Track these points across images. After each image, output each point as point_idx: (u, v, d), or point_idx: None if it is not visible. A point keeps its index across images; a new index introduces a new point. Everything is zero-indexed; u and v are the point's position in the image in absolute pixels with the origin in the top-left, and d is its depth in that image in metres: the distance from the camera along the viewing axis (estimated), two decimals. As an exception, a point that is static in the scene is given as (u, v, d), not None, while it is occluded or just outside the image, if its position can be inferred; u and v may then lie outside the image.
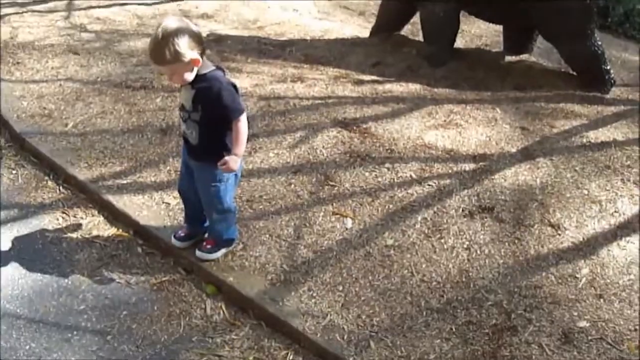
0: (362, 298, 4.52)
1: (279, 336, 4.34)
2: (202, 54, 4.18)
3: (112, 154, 6.12)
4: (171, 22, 4.06)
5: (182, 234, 4.95)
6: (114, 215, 5.41)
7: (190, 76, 4.19)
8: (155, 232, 5.13)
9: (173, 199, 5.47)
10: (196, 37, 4.10)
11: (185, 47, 4.01)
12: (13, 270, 4.85)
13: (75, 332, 4.35)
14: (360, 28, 10.03)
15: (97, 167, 5.91)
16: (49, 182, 5.89)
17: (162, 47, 3.99)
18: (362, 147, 6.10)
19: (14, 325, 4.37)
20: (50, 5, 10.82)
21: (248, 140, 5.99)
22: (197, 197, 4.74)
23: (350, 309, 4.43)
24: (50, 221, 5.39)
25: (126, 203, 5.42)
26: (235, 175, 4.64)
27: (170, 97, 7.13)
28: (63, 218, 5.43)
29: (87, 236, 5.22)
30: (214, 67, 4.34)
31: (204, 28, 9.56)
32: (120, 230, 5.28)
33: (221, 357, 4.19)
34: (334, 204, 5.41)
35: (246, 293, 4.54)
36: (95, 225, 5.34)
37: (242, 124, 4.34)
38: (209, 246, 4.83)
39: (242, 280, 4.64)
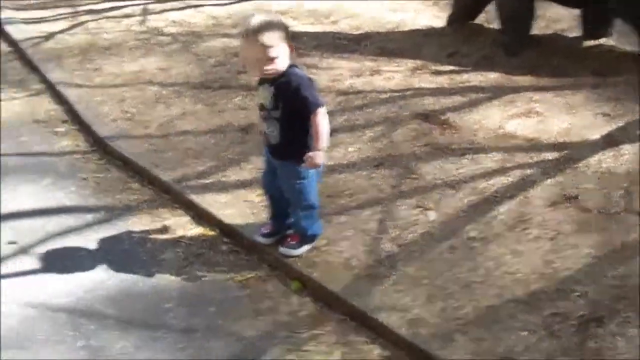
0: (447, 291, 4.47)
1: (364, 330, 4.32)
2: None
3: (194, 154, 6.23)
4: (263, 14, 4.40)
5: (267, 231, 5.00)
6: (199, 215, 5.50)
7: (285, 63, 4.34)
8: (239, 229, 5.19)
9: (256, 196, 5.53)
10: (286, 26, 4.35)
11: (285, 32, 4.29)
12: (102, 271, 4.96)
13: (163, 330, 4.40)
14: (434, 18, 9.92)
15: (180, 167, 6.03)
16: (134, 184, 6.02)
17: (273, 27, 4.20)
18: (443, 139, 6.08)
19: (103, 324, 4.45)
20: (126, 10, 11.02)
21: (329, 136, 6.06)
22: (281, 194, 4.80)
23: (435, 302, 4.39)
24: (135, 222, 5.51)
25: (210, 202, 5.51)
26: (317, 170, 4.67)
27: (249, 96, 7.19)
28: (149, 219, 5.55)
29: (172, 236, 5.32)
30: (290, 64, 4.41)
31: (280, 25, 9.60)
32: (205, 229, 5.36)
33: (308, 353, 4.18)
34: (417, 197, 5.39)
35: (331, 288, 4.54)
36: (180, 225, 5.44)
37: (321, 117, 4.40)
38: (293, 242, 4.86)
39: (327, 275, 4.65)
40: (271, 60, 4.30)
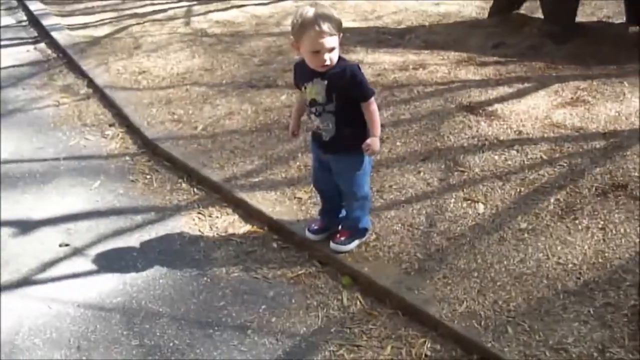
0: (498, 283, 4.47)
1: (415, 324, 4.33)
2: None
3: (242, 153, 6.27)
4: (320, 5, 4.26)
5: (316, 227, 5.02)
6: (248, 213, 5.54)
7: (337, 57, 4.34)
8: (289, 226, 5.22)
9: (304, 193, 5.57)
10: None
11: (339, 25, 4.26)
12: (154, 271, 5.02)
13: (216, 328, 4.45)
14: (478, 9, 9.93)
15: (229, 166, 6.08)
16: (183, 184, 6.08)
17: (332, 18, 4.17)
18: (490, 130, 6.05)
19: (157, 323, 4.51)
20: (170, 13, 11.17)
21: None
22: (332, 190, 4.84)
23: (487, 295, 4.38)
24: (186, 222, 5.55)
25: (259, 200, 5.54)
26: (370, 162, 4.71)
27: (294, 94, 7.19)
28: (199, 218, 5.59)
29: (223, 234, 5.36)
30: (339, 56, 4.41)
31: (323, 22, 9.62)
32: (255, 226, 5.39)
33: (359, 347, 4.20)
34: (465, 189, 5.38)
35: (382, 283, 4.55)
36: (230, 223, 5.48)
37: (374, 105, 4.44)
38: (342, 238, 4.87)
39: (377, 270, 4.67)
40: (331, 50, 4.30)
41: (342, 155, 4.60)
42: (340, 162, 4.65)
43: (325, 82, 4.37)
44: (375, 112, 4.43)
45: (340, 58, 4.40)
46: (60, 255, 5.22)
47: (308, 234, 5.02)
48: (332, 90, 4.37)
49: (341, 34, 4.32)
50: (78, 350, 4.32)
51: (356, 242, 4.89)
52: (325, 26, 4.16)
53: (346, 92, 4.36)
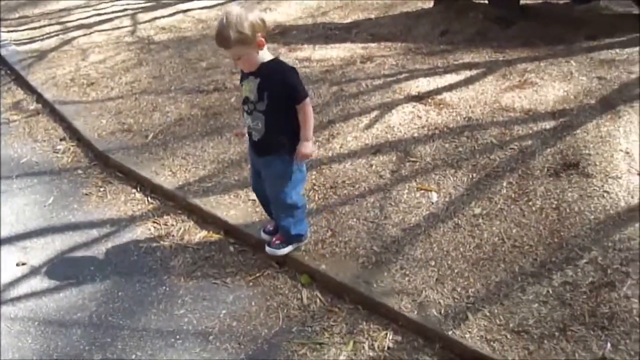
0: (456, 270, 4.50)
1: (376, 318, 4.36)
2: (266, 40, 4.27)
3: (194, 158, 6.24)
4: (236, 7, 4.15)
5: (271, 228, 5.00)
6: (203, 218, 5.52)
7: (255, 61, 4.28)
8: (245, 229, 5.20)
9: (257, 195, 5.54)
10: (260, 21, 4.18)
11: (250, 30, 4.10)
12: (113, 283, 4.99)
13: (178, 337, 4.44)
14: (425, -1, 9.96)
15: (182, 173, 6.05)
16: (137, 194, 6.05)
17: (228, 30, 4.08)
18: (439, 119, 6.07)
19: (118, 336, 4.49)
20: (115, 22, 11.09)
21: (325, 127, 6.08)
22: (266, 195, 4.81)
23: (445, 283, 4.41)
24: (142, 232, 5.53)
25: (213, 205, 5.52)
26: (300, 169, 4.62)
27: (243, 96, 7.22)
28: (154, 227, 5.56)
29: (179, 242, 5.34)
30: (273, 56, 4.39)
31: (269, 21, 9.61)
32: (211, 232, 5.38)
33: (322, 345, 4.22)
34: (417, 179, 5.40)
35: (340, 279, 4.56)
36: (186, 230, 5.45)
37: (309, 107, 4.37)
38: (277, 242, 4.85)
39: (335, 266, 4.67)
40: (237, 59, 4.31)
41: (269, 159, 4.53)
42: (268, 167, 4.59)
43: (258, 80, 4.34)
44: (308, 114, 4.36)
45: (275, 59, 4.40)
46: (17, 274, 5.16)
47: (263, 235, 5.01)
48: (263, 89, 4.33)
49: (267, 33, 4.29)
50: (41, 369, 4.27)
51: (290, 247, 4.86)
52: (219, 41, 4.20)
53: (278, 93, 4.32)
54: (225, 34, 4.09)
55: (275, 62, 4.38)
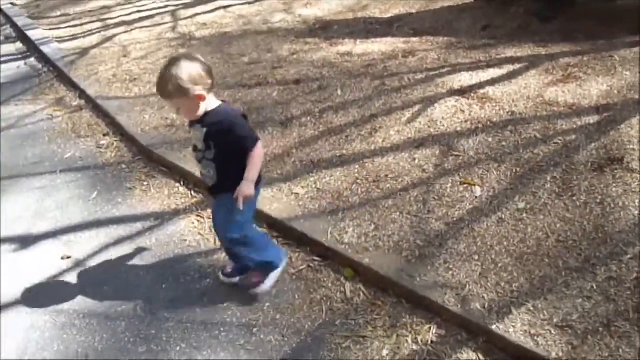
0: (499, 265, 4.47)
1: (420, 311, 4.34)
2: (209, 90, 4.15)
3: (237, 153, 6.26)
4: (178, 58, 4.09)
5: (229, 270, 4.90)
6: (246, 212, 5.51)
7: (196, 112, 4.18)
8: (287, 223, 5.21)
9: (301, 189, 5.57)
10: (202, 74, 4.07)
11: (189, 82, 4.00)
12: (157, 276, 5.02)
13: (222, 329, 4.46)
14: (465, -7, 9.93)
15: (224, 167, 6.06)
16: (181, 188, 6.08)
17: (167, 81, 4.01)
18: (482, 113, 6.05)
19: (163, 328, 4.52)
20: (157, 19, 11.19)
21: (367, 121, 6.07)
22: None
23: (489, 277, 4.39)
24: (186, 225, 5.55)
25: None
26: (252, 204, 4.46)
27: (286, 91, 7.25)
28: (198, 221, 5.59)
29: (223, 236, 5.35)
30: (220, 102, 4.28)
31: (310, 17, 9.67)
32: (254, 225, 5.37)
33: (365, 338, 4.22)
34: (461, 173, 5.38)
35: (384, 272, 4.55)
36: (229, 224, 5.46)
37: (259, 151, 4.20)
38: (254, 280, 4.72)
39: (378, 260, 4.66)
40: (176, 110, 4.23)
41: (221, 197, 4.42)
42: (219, 205, 4.49)
43: (204, 130, 4.22)
44: (255, 157, 4.18)
45: (221, 106, 4.25)
46: (62, 268, 5.20)
47: (222, 278, 4.90)
48: (209, 138, 4.22)
49: (207, 81, 4.11)
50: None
51: (272, 276, 4.71)
52: (157, 90, 4.12)
53: (226, 143, 4.20)
54: (163, 86, 4.03)
55: (221, 111, 4.23)
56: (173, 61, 4.07)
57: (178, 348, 4.35)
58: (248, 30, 9.66)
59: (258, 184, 4.32)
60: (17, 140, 7.59)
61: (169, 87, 4.01)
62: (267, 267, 4.68)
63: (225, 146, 4.19)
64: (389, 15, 9.37)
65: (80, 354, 4.39)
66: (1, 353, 4.31)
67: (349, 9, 9.96)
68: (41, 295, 4.98)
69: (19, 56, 11.09)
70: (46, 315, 4.72)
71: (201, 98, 4.09)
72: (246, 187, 4.12)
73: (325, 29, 9.08)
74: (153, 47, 9.71)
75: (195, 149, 4.38)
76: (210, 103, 4.20)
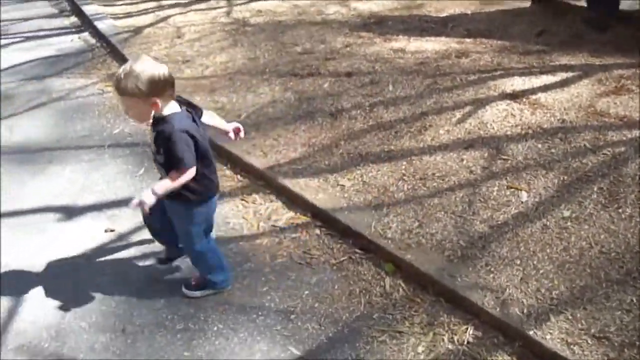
0: (541, 271, 4.47)
1: (458, 311, 4.35)
2: (166, 99, 4.02)
3: (285, 140, 6.32)
4: (142, 61, 3.96)
5: (163, 257, 4.95)
6: (291, 200, 5.58)
7: (145, 117, 4.09)
8: (332, 213, 5.24)
9: (347, 180, 5.59)
10: (165, 82, 3.94)
11: (145, 88, 3.87)
12: (200, 257, 5.07)
13: (260, 313, 4.50)
14: (521, -3, 9.90)
15: (272, 154, 6.12)
16: (227, 171, 6.13)
17: (127, 78, 3.86)
18: (533, 119, 6.04)
19: (201, 308, 4.57)
20: (212, 2, 11.28)
21: (417, 119, 6.09)
22: (163, 226, 4.64)
23: (529, 283, 4.39)
24: (231, 208, 5.61)
25: (302, 187, 5.58)
26: (206, 220, 4.50)
27: (337, 82, 7.28)
28: (243, 205, 5.64)
29: (266, 221, 5.41)
30: (177, 110, 4.12)
31: (364, 11, 9.68)
32: (298, 213, 5.43)
33: (402, 334, 4.23)
34: (508, 177, 5.38)
35: (425, 270, 4.57)
36: (273, 210, 5.52)
37: (184, 175, 4.08)
38: (193, 283, 4.77)
39: (420, 257, 4.68)
40: (126, 111, 4.10)
41: (174, 205, 4.38)
42: (172, 210, 4.45)
43: (154, 134, 4.13)
44: (176, 178, 4.06)
45: (167, 117, 4.06)
46: (105, 240, 5.28)
47: (155, 264, 4.95)
48: (158, 143, 4.11)
49: (158, 97, 3.95)
50: (123, 333, 4.40)
51: (206, 291, 4.72)
52: (115, 86, 3.96)
53: (165, 151, 4.08)
54: (122, 81, 3.89)
55: (169, 119, 4.05)
56: (141, 60, 3.96)
57: (215, 328, 4.39)
58: (302, 20, 9.70)
59: (207, 199, 4.36)
60: (67, 113, 7.69)
61: (128, 84, 3.87)
62: (208, 283, 4.71)
63: (166, 154, 4.08)
64: (443, 14, 9.36)
65: (117, 327, 4.45)
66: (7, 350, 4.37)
67: (404, 6, 9.95)
68: (82, 266, 5.06)
69: (73, 30, 11.21)
70: (86, 286, 4.79)
71: (155, 107, 3.98)
72: (144, 194, 4.05)
73: (379, 24, 9.09)
74: (207, 31, 9.77)
75: (150, 148, 4.29)
76: (167, 109, 4.06)
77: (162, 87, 3.92)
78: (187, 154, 4.02)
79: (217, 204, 5.54)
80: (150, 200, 4.03)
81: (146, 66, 3.89)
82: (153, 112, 4.02)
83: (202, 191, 4.28)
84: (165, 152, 4.05)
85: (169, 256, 4.96)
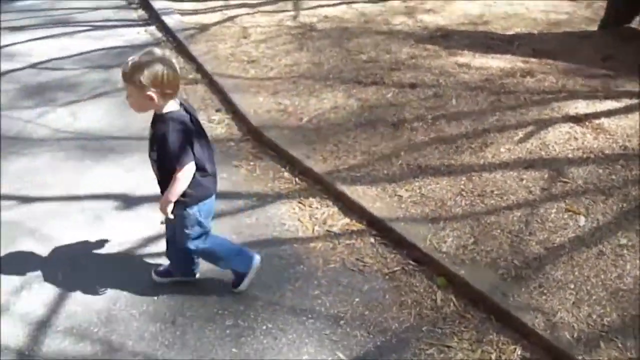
0: (594, 297, 4.44)
1: (507, 331, 4.34)
2: (165, 97, 4.09)
3: (345, 147, 6.35)
4: (158, 54, 4.07)
5: (162, 269, 4.94)
6: (348, 206, 5.60)
7: (141, 108, 4.18)
8: (388, 223, 5.26)
9: (405, 191, 5.61)
10: (166, 79, 4.02)
11: (148, 79, 3.98)
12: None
13: (309, 316, 4.53)
14: (588, 20, 9.82)
15: (332, 159, 6.16)
16: (286, 174, 6.19)
17: (132, 66, 4.01)
18: (595, 143, 6.00)
19: (252, 306, 4.62)
20: (280, 5, 11.32)
21: (479, 135, 6.08)
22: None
23: (581, 308, 4.36)
24: (287, 210, 5.66)
25: (360, 194, 5.60)
26: (200, 223, 4.49)
27: (400, 93, 7.30)
28: (299, 207, 5.69)
29: (322, 225, 5.44)
30: (176, 108, 4.19)
31: (431, 24, 9.68)
32: (354, 220, 5.46)
33: (450, 348, 4.24)
34: (567, 200, 5.35)
35: (477, 286, 4.57)
36: (329, 215, 5.55)
37: (183, 173, 4.16)
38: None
39: (474, 273, 4.68)
40: (138, 98, 4.11)
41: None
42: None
43: (152, 132, 4.25)
44: (177, 178, 4.17)
45: (167, 115, 4.15)
46: (161, 232, 5.28)
47: (154, 276, 4.93)
48: (153, 141, 4.23)
49: (159, 93, 4.05)
50: (173, 324, 4.47)
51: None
52: (122, 71, 4.06)
53: (160, 150, 4.19)
54: (128, 68, 4.01)
55: (167, 118, 4.13)
56: (151, 53, 4.08)
57: (264, 327, 4.44)
58: (368, 28, 9.72)
59: (197, 201, 4.38)
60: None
61: (131, 72, 4.01)
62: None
63: (161, 153, 4.18)
64: (510, 32, 9.32)
65: (168, 318, 4.53)
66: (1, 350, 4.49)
67: (471, 21, 9.93)
68: (137, 255, 5.17)
69: (140, 23, 11.37)
70: (140, 275, 4.88)
71: (150, 99, 4.05)
72: (161, 205, 4.29)
73: (445, 38, 9.08)
74: (273, 33, 9.84)
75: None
76: (166, 107, 4.14)
77: (161, 84, 4.02)
78: (182, 152, 4.12)
79: (273, 205, 5.62)
80: (170, 208, 4.27)
81: (153, 61, 4.01)
82: (152, 109, 4.15)
83: (193, 194, 4.33)
84: (159, 150, 4.17)
85: (169, 270, 4.93)
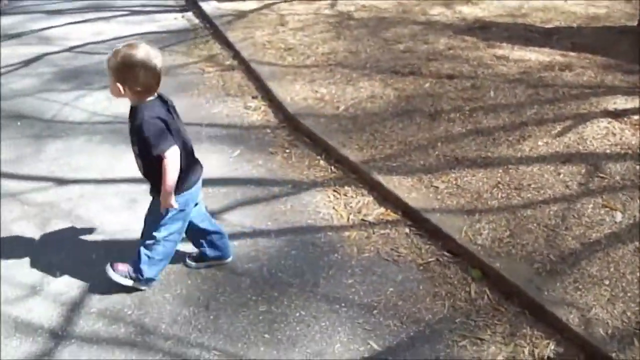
0: (629, 294, 4.41)
1: (541, 325, 4.32)
2: (138, 93, 4.14)
3: (382, 136, 6.35)
4: (132, 47, 4.09)
5: (194, 255, 4.95)
6: (383, 196, 5.60)
7: (114, 93, 4.18)
8: (423, 213, 5.25)
9: (442, 182, 5.59)
10: (131, 70, 4.06)
11: (116, 68, 4.07)
12: (287, 241, 5.16)
13: (343, 304, 4.54)
14: (628, 15, 9.73)
15: (368, 149, 6.16)
16: (321, 162, 6.20)
17: (114, 55, 4.07)
18: (634, 140, 5.95)
19: (286, 292, 4.64)
20: (317, -7, 11.26)
21: (517, 128, 6.05)
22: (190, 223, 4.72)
23: (616, 304, 4.33)
24: (322, 198, 5.67)
25: (395, 184, 5.60)
26: (174, 218, 4.48)
27: (438, 84, 7.28)
28: (334, 196, 5.70)
29: (357, 214, 5.44)
30: (151, 98, 4.21)
31: (469, 15, 9.64)
32: (389, 210, 5.46)
33: (482, 341, 4.23)
34: (604, 196, 5.31)
35: (512, 280, 4.55)
36: (364, 204, 5.56)
37: (168, 160, 4.14)
38: (122, 269, 4.67)
39: (509, 266, 4.66)
40: (113, 86, 4.14)
41: (152, 193, 4.50)
42: (151, 203, 4.55)
43: (130, 123, 4.24)
44: (166, 167, 4.15)
45: (141, 106, 4.17)
46: (196, 216, 5.39)
47: (187, 261, 4.94)
48: (131, 134, 4.24)
49: (131, 87, 4.11)
50: (206, 309, 4.50)
51: (128, 281, 4.65)
52: (111, 61, 4.09)
53: (139, 141, 4.19)
54: (111, 56, 4.07)
55: (141, 109, 4.16)
56: (132, 46, 4.10)
57: (297, 314, 4.45)
58: (406, 18, 9.70)
59: (185, 188, 4.39)
60: (166, 89, 7.73)
61: (112, 60, 4.06)
62: (137, 274, 4.63)
63: (140, 144, 4.19)
64: (548, 25, 9.26)
65: (201, 302, 4.56)
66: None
67: (509, 13, 9.88)
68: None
69: (177, 9, 11.42)
70: (174, 258, 4.85)
71: (118, 92, 4.14)
72: (162, 199, 4.27)
73: (483, 29, 9.04)
74: (310, 21, 9.86)
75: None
76: (141, 99, 4.17)
77: (132, 75, 4.06)
78: (160, 139, 4.11)
79: (308, 192, 5.62)
80: (168, 200, 4.25)
81: (131, 53, 4.05)
82: (122, 94, 4.15)
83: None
84: (139, 142, 4.19)
85: (198, 255, 4.95)
